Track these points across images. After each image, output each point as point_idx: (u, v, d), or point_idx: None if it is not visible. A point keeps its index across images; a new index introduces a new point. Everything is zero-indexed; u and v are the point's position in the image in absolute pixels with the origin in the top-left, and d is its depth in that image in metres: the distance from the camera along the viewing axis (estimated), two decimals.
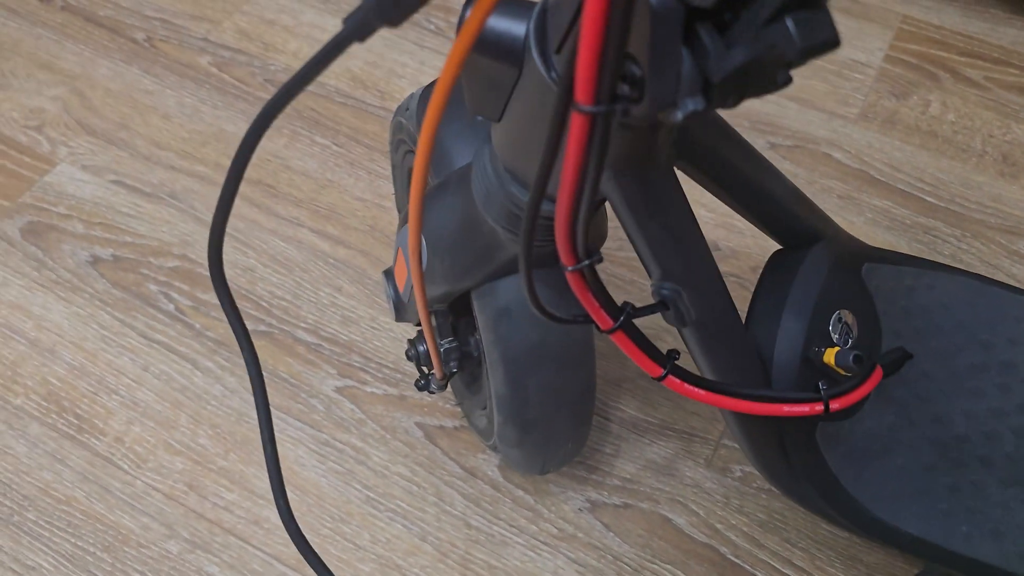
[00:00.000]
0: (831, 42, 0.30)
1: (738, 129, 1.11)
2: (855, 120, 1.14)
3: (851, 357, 0.57)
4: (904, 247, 1.03)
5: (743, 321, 0.63)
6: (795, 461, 0.61)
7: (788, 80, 0.33)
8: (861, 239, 1.06)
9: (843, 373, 0.59)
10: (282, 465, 0.87)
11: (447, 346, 0.71)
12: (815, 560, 0.82)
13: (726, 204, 0.59)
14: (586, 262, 0.42)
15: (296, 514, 0.85)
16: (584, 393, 0.68)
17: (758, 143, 1.12)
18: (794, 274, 0.61)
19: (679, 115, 0.33)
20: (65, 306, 0.98)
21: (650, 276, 0.51)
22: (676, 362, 0.51)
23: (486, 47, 0.40)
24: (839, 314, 0.60)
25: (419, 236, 0.51)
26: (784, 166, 1.09)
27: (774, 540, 0.83)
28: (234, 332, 0.46)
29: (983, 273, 1.01)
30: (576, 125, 0.32)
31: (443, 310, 0.71)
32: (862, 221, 1.05)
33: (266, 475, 0.87)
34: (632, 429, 0.90)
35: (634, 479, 0.87)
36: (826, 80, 1.18)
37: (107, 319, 0.97)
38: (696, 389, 0.51)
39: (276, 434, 0.89)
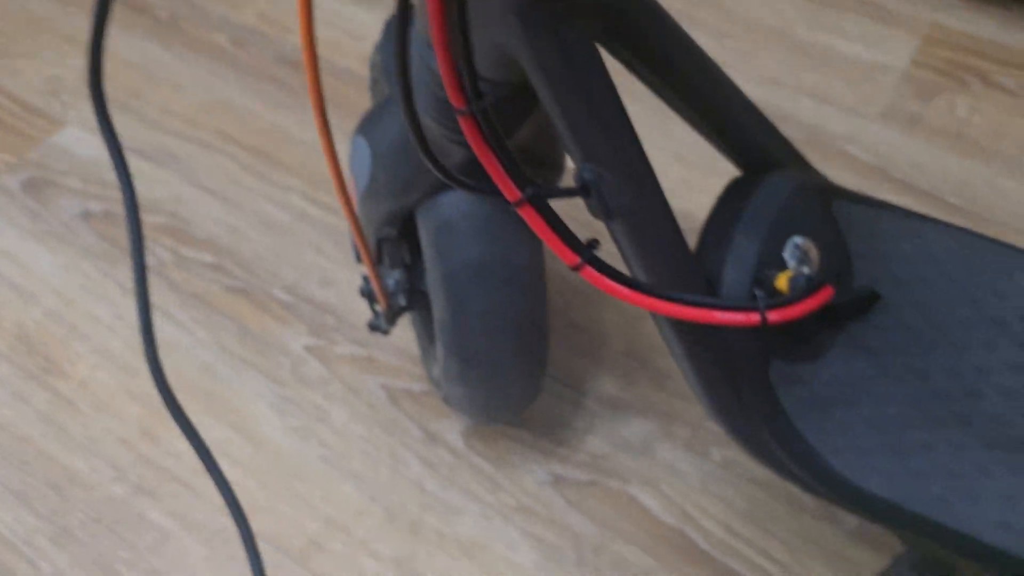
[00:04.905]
0: None
1: None
2: (875, 118, 1.09)
3: (803, 279, 0.52)
4: None
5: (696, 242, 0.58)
6: (747, 399, 0.55)
7: None
8: None
9: None
10: (242, 419, 0.85)
11: (396, 277, 0.68)
12: (795, 553, 0.75)
13: (669, 105, 0.55)
14: (477, 104, 0.38)
15: (249, 467, 0.82)
16: (532, 325, 0.63)
17: None
18: (750, 196, 0.56)
19: None
20: (52, 255, 0.98)
21: (572, 159, 0.47)
22: (596, 253, 0.46)
23: None
24: (797, 240, 0.55)
25: (329, 141, 0.48)
26: None
27: (752, 530, 0.77)
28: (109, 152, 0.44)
29: None
30: None
31: (392, 238, 0.68)
32: None
33: (219, 425, 0.84)
34: (607, 406, 0.85)
35: (604, 456, 0.81)
36: (847, 79, 1.14)
37: (90, 269, 0.97)
38: (617, 285, 0.46)
39: (241, 387, 0.86)
